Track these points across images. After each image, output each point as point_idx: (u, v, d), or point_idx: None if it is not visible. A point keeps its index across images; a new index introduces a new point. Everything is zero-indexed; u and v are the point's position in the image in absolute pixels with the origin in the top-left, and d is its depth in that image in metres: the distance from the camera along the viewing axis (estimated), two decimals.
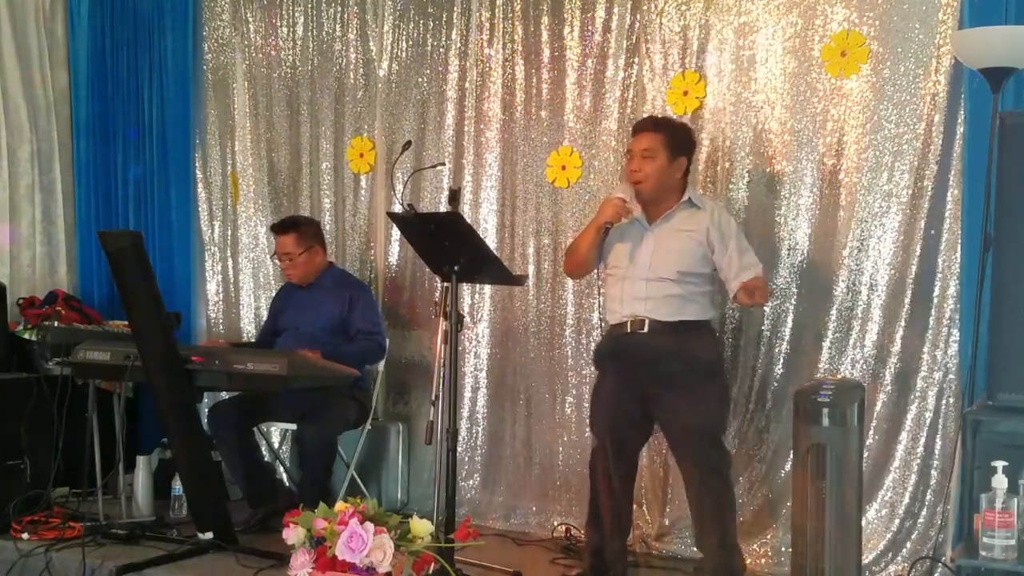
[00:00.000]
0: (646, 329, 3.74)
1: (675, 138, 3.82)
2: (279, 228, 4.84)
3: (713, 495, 3.69)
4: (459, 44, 4.91)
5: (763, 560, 4.14)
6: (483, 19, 4.84)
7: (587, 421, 4.43)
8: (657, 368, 3.71)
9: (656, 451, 4.38)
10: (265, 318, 5.13)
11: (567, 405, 4.64)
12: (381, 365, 4.84)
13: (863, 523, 3.59)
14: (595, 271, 3.89)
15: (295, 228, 4.79)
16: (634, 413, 3.78)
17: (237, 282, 5.56)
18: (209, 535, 4.10)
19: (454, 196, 4.00)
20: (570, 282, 4.60)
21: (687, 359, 3.71)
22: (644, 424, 3.86)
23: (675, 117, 4.16)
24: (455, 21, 4.92)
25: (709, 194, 4.22)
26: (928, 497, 3.93)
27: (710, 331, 3.90)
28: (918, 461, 3.95)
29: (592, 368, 4.38)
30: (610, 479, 3.78)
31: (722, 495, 3.73)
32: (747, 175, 4.25)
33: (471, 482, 4.86)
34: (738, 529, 3.88)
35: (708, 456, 3.70)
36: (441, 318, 3.68)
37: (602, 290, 3.89)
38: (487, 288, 4.84)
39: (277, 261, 4.89)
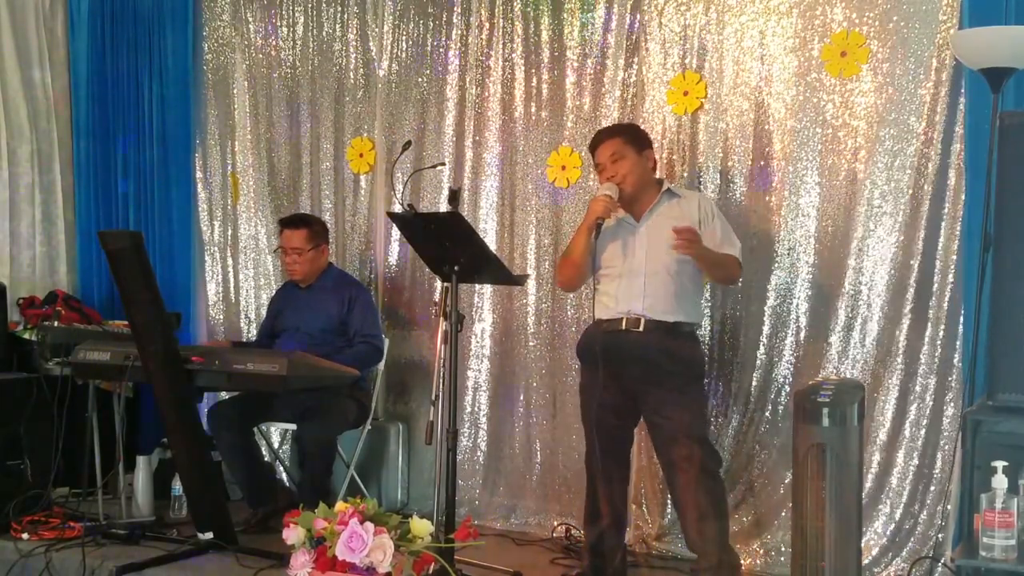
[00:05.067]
0: (641, 328, 3.75)
1: (632, 135, 3.91)
2: (290, 223, 4.82)
3: (709, 495, 3.69)
4: (459, 44, 4.91)
5: (763, 560, 4.14)
6: (483, 19, 4.84)
7: None
8: (649, 368, 3.72)
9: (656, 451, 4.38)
10: (264, 318, 5.13)
11: (567, 405, 4.62)
12: (381, 365, 4.83)
13: (863, 523, 3.59)
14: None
15: (306, 224, 4.79)
16: (622, 407, 3.80)
17: (237, 282, 5.56)
18: (209, 535, 4.10)
19: (454, 196, 3.99)
20: None
21: (678, 361, 3.74)
22: (631, 418, 3.88)
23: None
24: (455, 21, 4.92)
25: (688, 187, 4.23)
26: (928, 497, 3.93)
27: (695, 335, 3.95)
28: (918, 461, 3.95)
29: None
30: (604, 474, 3.79)
31: (717, 494, 3.75)
32: (747, 175, 4.25)
33: (471, 482, 4.86)
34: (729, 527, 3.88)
35: (701, 456, 3.71)
36: (441, 318, 3.68)
37: (596, 288, 3.88)
38: (487, 288, 4.84)
39: (283, 256, 4.87)
